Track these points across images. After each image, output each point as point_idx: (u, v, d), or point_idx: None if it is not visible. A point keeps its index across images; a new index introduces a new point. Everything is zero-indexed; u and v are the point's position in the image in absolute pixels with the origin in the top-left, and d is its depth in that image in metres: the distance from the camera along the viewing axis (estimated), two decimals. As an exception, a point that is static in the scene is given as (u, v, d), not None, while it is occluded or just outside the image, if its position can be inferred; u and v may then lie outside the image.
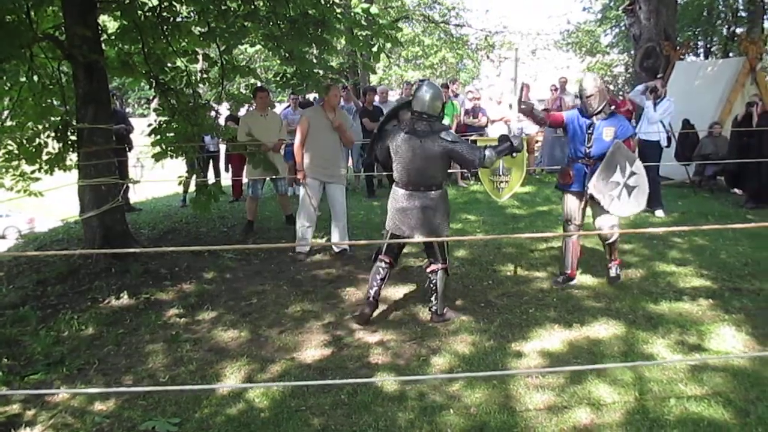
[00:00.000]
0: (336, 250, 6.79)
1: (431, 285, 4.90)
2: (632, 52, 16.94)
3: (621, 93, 21.43)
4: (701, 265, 6.02)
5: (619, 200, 5.30)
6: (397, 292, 5.59)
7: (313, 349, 4.51)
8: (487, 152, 4.72)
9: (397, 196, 4.86)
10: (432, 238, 4.75)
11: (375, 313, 5.01)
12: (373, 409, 3.61)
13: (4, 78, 6.57)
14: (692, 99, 11.05)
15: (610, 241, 5.57)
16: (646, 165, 8.35)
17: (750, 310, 4.91)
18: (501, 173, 6.48)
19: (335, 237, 6.74)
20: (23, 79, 6.75)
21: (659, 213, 8.36)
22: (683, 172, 10.42)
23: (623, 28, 22.19)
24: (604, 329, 4.63)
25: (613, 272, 5.62)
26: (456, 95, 12.45)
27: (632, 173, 5.28)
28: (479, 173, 7.09)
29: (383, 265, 4.95)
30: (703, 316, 4.82)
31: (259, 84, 8.84)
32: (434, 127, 4.74)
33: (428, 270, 4.95)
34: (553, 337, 4.53)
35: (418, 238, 4.94)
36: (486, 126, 11.60)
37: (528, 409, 3.57)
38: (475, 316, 4.95)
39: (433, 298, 4.90)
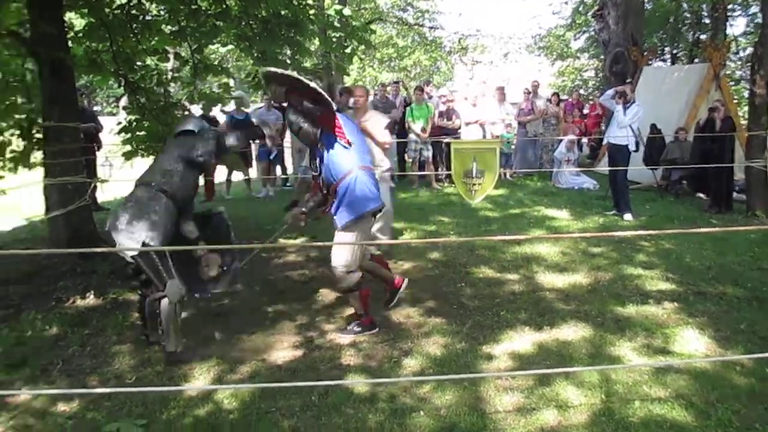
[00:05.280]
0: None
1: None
2: (602, 56, 17.18)
3: (591, 97, 21.75)
4: (667, 269, 6.12)
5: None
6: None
7: (284, 350, 4.48)
8: None
9: None
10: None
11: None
12: (344, 411, 3.60)
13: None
14: (659, 104, 11.25)
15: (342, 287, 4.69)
16: (616, 169, 8.57)
17: (713, 313, 5.00)
18: (474, 176, 6.53)
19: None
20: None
21: (627, 217, 8.48)
22: (651, 175, 10.60)
23: (593, 33, 22.48)
24: (573, 331, 4.68)
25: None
26: (430, 97, 12.50)
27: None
28: (453, 176, 7.12)
29: None
30: (668, 320, 4.90)
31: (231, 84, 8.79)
32: None
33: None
34: (524, 339, 4.57)
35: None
36: (459, 128, 11.66)
37: (497, 410, 3.59)
38: (447, 318, 4.97)
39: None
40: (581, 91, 22.86)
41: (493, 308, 5.19)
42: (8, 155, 6.82)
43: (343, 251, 4.52)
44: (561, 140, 11.99)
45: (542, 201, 9.88)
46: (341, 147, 4.43)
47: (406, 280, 5.22)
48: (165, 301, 4.18)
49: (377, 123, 6.05)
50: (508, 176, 12.17)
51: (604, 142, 10.08)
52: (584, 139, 14.26)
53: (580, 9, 25.18)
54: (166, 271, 4.18)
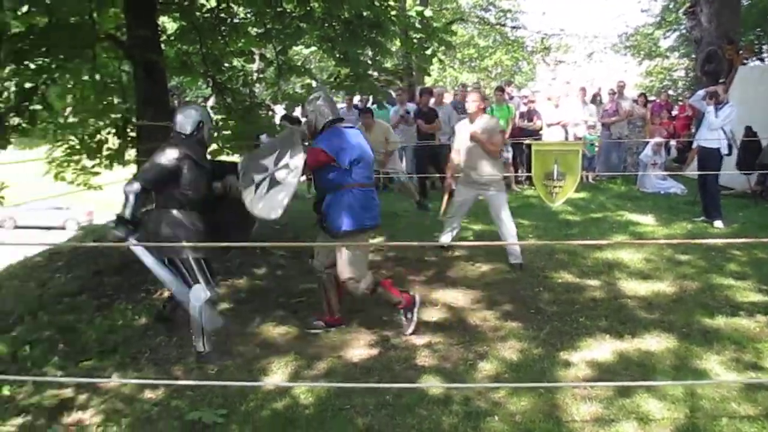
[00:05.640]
0: (512, 261, 6.30)
1: None
2: (693, 56, 16.48)
3: (681, 98, 20.89)
4: (761, 280, 5.80)
5: (257, 190, 4.43)
6: (446, 294, 5.57)
7: (360, 349, 4.54)
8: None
9: None
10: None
11: (424, 316, 5.02)
12: (418, 412, 3.61)
13: (68, 76, 6.82)
14: (755, 105, 10.65)
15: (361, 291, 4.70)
16: (706, 174, 8.19)
17: (812, 327, 4.72)
18: (555, 178, 6.40)
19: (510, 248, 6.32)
20: (86, 78, 6.99)
21: (718, 224, 8.09)
22: (744, 181, 10.07)
23: (684, 31, 21.59)
24: (657, 342, 4.52)
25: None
26: (511, 98, 12.33)
27: (286, 166, 4.38)
28: (533, 178, 7.00)
29: None
30: (761, 333, 4.64)
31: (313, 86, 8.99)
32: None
33: None
34: (603, 348, 4.44)
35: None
36: (541, 129, 11.45)
37: (574, 419, 3.51)
38: (524, 323, 4.90)
39: None
40: (670, 92, 22.01)
41: (572, 314, 5.08)
42: (104, 153, 7.20)
43: (344, 265, 4.58)
44: (647, 143, 11.57)
45: (626, 205, 9.56)
46: (329, 166, 4.51)
47: (418, 297, 4.91)
48: (192, 305, 4.31)
49: (487, 129, 6.14)
50: (590, 179, 11.85)
51: (694, 145, 9.63)
52: (672, 142, 13.69)
53: (671, 6, 24.26)
54: (192, 276, 4.34)
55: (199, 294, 4.32)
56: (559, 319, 4.99)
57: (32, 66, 6.16)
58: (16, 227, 26.70)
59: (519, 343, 4.55)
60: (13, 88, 6.40)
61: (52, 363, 4.39)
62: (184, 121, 4.57)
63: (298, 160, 4.33)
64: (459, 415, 3.57)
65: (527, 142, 10.16)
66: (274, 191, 4.34)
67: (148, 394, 3.93)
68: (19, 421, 3.67)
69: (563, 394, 3.77)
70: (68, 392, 3.98)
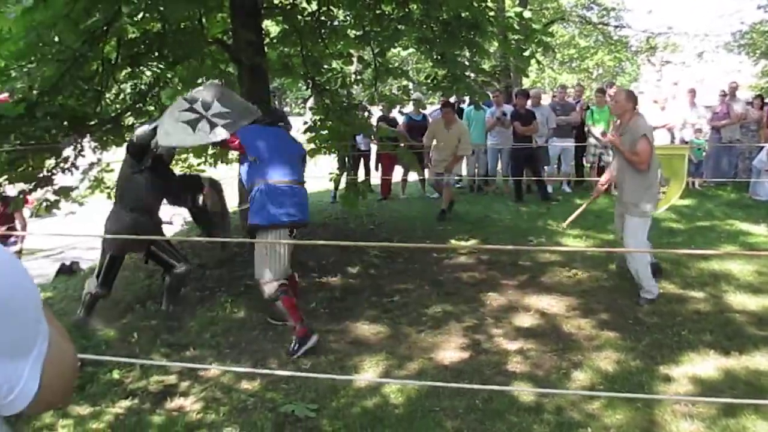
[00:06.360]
0: (641, 296, 5.43)
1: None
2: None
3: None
4: None
5: (178, 116, 4.78)
6: (540, 300, 5.46)
7: (450, 351, 4.52)
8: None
9: None
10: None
11: (516, 321, 4.94)
12: (508, 418, 3.56)
13: (177, 79, 7.18)
14: None
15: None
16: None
17: None
18: (659, 183, 6.11)
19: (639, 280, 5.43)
20: (199, 81, 7.34)
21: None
22: None
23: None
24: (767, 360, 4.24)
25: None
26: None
27: (214, 125, 4.75)
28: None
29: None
30: None
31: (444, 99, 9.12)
32: None
33: None
34: (707, 364, 4.21)
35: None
36: (644, 133, 11.00)
37: (674, 436, 3.35)
38: (621, 333, 4.72)
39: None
40: (789, 94, 20.57)
41: (674, 327, 4.84)
42: (210, 152, 7.53)
43: (258, 262, 4.65)
44: (761, 148, 10.88)
45: (736, 214, 9.02)
46: (248, 162, 4.73)
47: (315, 336, 4.54)
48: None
49: (641, 130, 5.24)
50: (696, 185, 11.27)
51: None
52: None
53: (792, 2, 22.67)
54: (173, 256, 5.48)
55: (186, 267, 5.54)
56: (660, 331, 4.77)
57: (147, 71, 6.55)
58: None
59: (615, 353, 4.39)
60: (128, 90, 6.81)
61: (157, 350, 4.65)
62: None
63: (223, 132, 4.73)
64: (550, 424, 3.48)
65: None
66: (188, 129, 4.72)
67: (245, 385, 4.07)
68: (126, 403, 3.89)
69: (662, 409, 3.61)
70: (172, 379, 4.20)
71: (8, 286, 0.90)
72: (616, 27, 26.66)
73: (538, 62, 8.11)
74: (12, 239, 8.24)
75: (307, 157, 7.89)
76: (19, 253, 8.22)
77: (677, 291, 5.67)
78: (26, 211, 8.24)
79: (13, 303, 0.90)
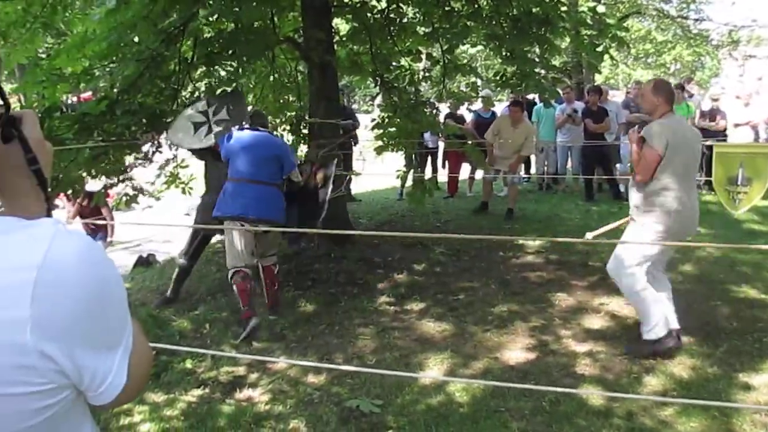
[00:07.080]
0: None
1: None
2: None
3: None
4: None
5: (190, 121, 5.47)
6: (610, 302, 5.31)
7: (517, 351, 4.46)
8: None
9: None
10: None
11: (586, 322, 4.82)
12: (576, 422, 3.48)
13: (250, 77, 7.35)
14: None
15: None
16: None
17: None
18: (739, 183, 5.86)
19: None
20: (271, 78, 7.51)
21: None
22: None
23: None
24: None
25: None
26: (691, 96, 11.48)
27: (210, 131, 5.36)
28: (713, 182, 6.47)
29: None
30: None
31: (513, 98, 9.05)
32: None
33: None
34: (791, 372, 4.01)
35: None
36: (725, 130, 10.54)
37: (753, 446, 3.21)
38: (697, 338, 4.54)
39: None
40: None
41: (755, 333, 4.62)
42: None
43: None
44: None
45: (824, 215, 8.55)
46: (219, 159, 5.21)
47: (254, 320, 4.85)
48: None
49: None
50: (781, 185, 10.73)
51: None
52: None
53: None
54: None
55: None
56: (739, 337, 4.56)
57: (221, 70, 6.73)
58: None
59: (691, 359, 4.22)
60: (203, 88, 7.01)
61: (227, 341, 4.77)
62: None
63: (212, 139, 5.37)
64: (621, 429, 3.39)
65: (708, 143, 9.41)
66: (191, 130, 5.44)
67: (311, 379, 4.13)
68: (198, 392, 4.01)
69: (741, 418, 3.45)
70: (241, 370, 4.30)
71: (104, 281, 0.94)
72: (696, 20, 25.56)
73: (612, 58, 7.87)
74: (100, 234, 8.64)
75: (375, 155, 8.00)
76: (110, 244, 8.61)
77: (759, 296, 5.42)
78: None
79: (107, 298, 0.94)
